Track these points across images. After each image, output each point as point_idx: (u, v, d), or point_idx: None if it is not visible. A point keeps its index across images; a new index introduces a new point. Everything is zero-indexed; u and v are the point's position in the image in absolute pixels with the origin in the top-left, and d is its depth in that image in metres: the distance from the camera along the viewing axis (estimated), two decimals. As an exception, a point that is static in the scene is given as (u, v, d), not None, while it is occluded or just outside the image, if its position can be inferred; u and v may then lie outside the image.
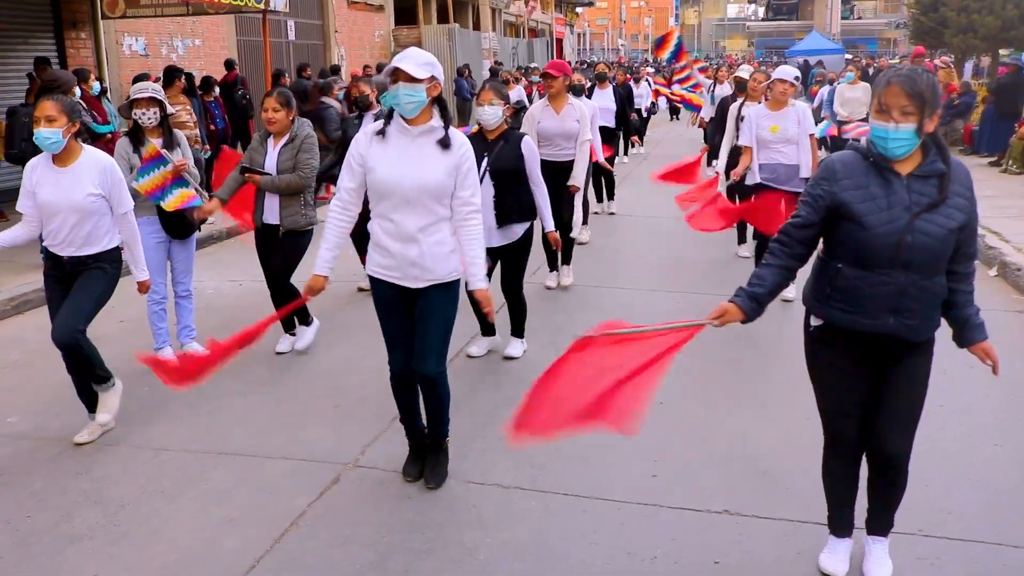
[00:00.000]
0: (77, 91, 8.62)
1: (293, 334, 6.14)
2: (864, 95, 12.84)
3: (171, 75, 10.67)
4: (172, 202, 5.41)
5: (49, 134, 4.30)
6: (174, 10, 12.45)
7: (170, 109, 5.68)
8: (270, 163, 5.69)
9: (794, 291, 7.09)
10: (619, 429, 3.10)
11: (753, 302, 3.09)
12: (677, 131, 22.56)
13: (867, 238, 2.91)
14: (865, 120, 11.49)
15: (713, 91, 14.29)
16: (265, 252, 5.93)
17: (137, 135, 5.50)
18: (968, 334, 3.06)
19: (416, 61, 3.69)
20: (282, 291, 5.84)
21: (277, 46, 17.51)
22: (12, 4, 11.26)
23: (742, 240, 8.78)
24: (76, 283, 4.51)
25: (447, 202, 3.81)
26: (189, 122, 10.52)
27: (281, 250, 5.80)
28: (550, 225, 5.70)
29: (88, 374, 4.61)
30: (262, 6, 11.47)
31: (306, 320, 6.15)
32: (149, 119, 5.49)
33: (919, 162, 2.92)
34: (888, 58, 41.64)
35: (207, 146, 11.07)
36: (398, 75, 3.66)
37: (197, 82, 11.87)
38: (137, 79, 10.51)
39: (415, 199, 3.74)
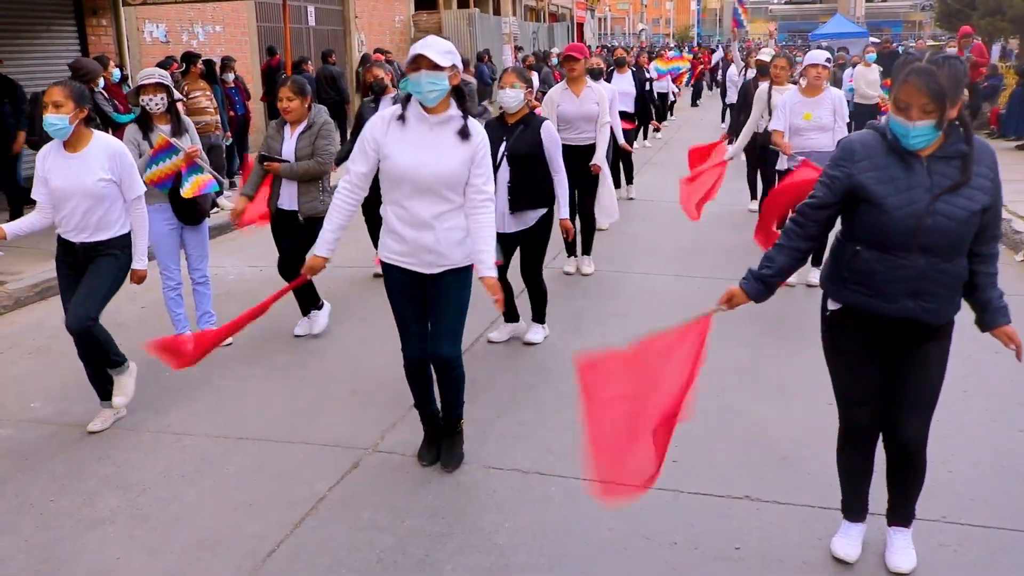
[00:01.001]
0: (100, 80, 8.67)
1: (309, 316, 6.16)
2: (879, 76, 12.87)
3: (188, 61, 10.72)
4: (189, 189, 5.42)
5: (55, 120, 4.31)
6: (194, -4, 12.52)
7: (177, 95, 5.69)
8: (288, 150, 5.70)
9: (794, 277, 7.03)
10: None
11: (760, 283, 3.09)
12: (698, 116, 22.40)
13: (886, 220, 2.86)
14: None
15: (722, 72, 14.44)
16: (280, 235, 5.95)
17: (145, 121, 5.51)
18: (990, 317, 3.00)
19: (438, 49, 3.67)
20: (295, 267, 5.86)
21: (297, 32, 17.51)
22: (34, -8, 11.33)
23: (755, 196, 8.74)
24: (88, 270, 4.53)
25: (461, 190, 3.80)
26: (210, 108, 10.56)
27: (301, 238, 5.82)
28: (565, 212, 5.65)
29: (103, 360, 4.63)
30: (282, -8, 11.48)
31: (317, 304, 6.18)
32: (157, 105, 5.49)
33: (941, 142, 2.87)
34: (912, 42, 41.10)
35: (228, 132, 11.10)
36: (420, 63, 3.64)
37: (217, 68, 11.87)
38: (160, 66, 10.59)
39: (430, 188, 3.73)
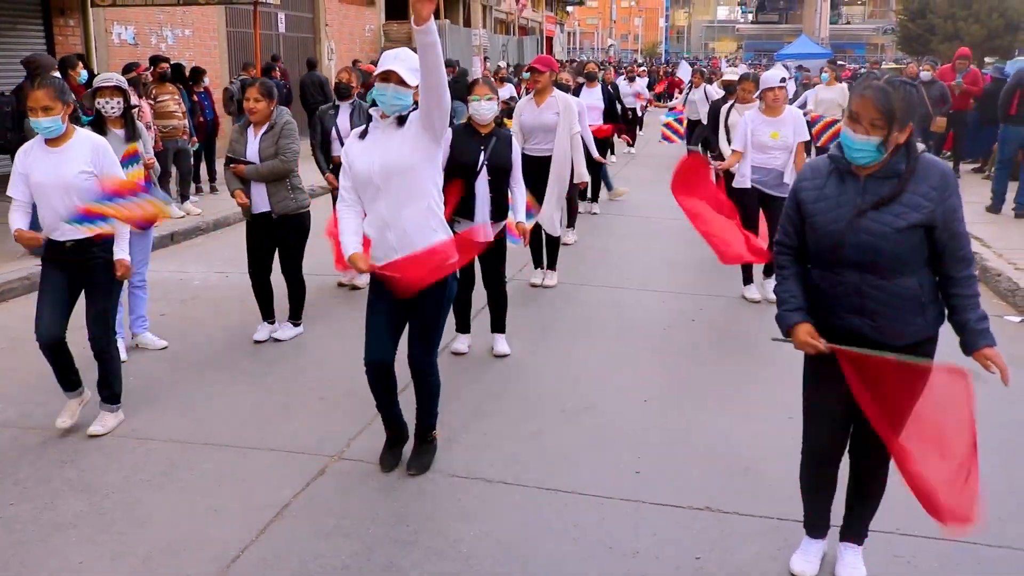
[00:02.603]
0: (84, 73, 8.56)
1: (272, 323, 6.18)
2: (840, 97, 12.93)
3: (154, 63, 10.71)
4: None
5: (48, 123, 4.31)
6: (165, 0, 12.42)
7: (133, 100, 5.68)
8: (252, 152, 5.75)
9: (758, 292, 7.15)
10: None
11: (799, 312, 3.10)
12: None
13: (817, 238, 2.98)
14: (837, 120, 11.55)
15: (688, 93, 14.40)
16: (255, 240, 5.96)
17: (99, 125, 5.49)
18: (968, 339, 2.93)
19: (409, 66, 3.76)
20: (293, 280, 6.06)
21: (267, 38, 17.46)
22: (0, -10, 11.20)
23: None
24: (86, 288, 4.56)
25: (416, 182, 3.81)
26: (178, 112, 10.50)
27: (282, 240, 5.87)
28: (521, 216, 5.68)
29: (105, 385, 4.67)
30: (253, -2, 11.46)
31: (297, 319, 6.22)
32: (112, 109, 5.48)
33: (881, 164, 2.92)
34: (881, 62, 41.76)
35: (195, 138, 11.03)
36: (391, 76, 3.73)
37: (186, 72, 11.81)
38: (127, 68, 10.51)
39: (385, 183, 3.79)
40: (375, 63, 12.42)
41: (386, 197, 3.81)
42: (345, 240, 3.94)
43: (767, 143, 6.80)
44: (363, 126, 3.97)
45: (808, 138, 7.03)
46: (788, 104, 7.14)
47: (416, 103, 3.82)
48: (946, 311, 3.04)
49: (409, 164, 3.79)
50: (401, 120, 3.83)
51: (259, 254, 6.00)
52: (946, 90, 12.46)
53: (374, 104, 3.91)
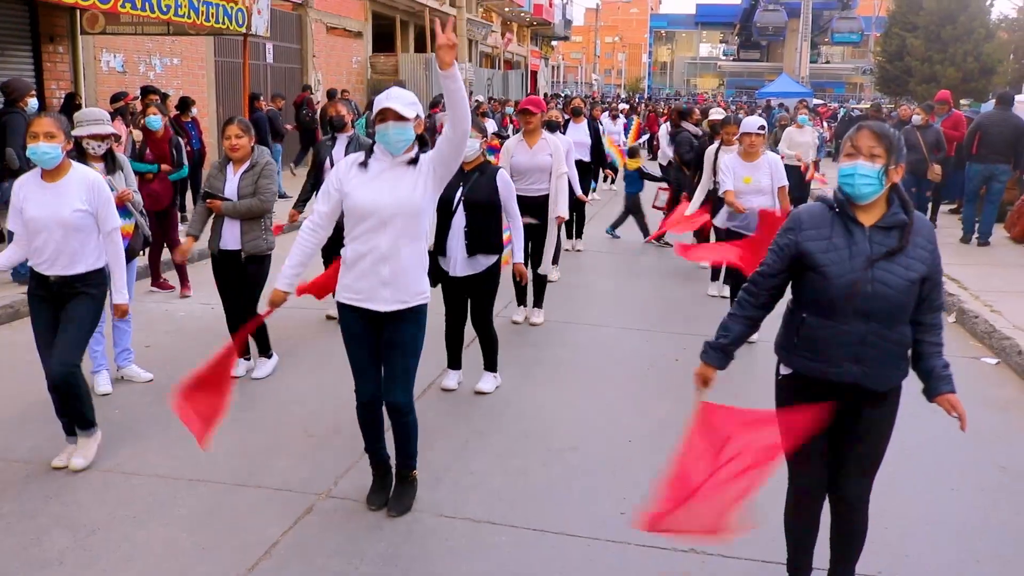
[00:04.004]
0: (32, 102, 8.42)
1: (247, 358, 6.18)
2: (812, 139, 13.06)
3: (145, 94, 10.73)
4: None
5: (48, 149, 4.34)
6: (154, 29, 12.48)
7: (120, 131, 5.70)
8: (230, 189, 5.78)
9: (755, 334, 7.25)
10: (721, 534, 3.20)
11: (719, 353, 3.26)
12: (648, 168, 22.79)
13: (828, 287, 3.02)
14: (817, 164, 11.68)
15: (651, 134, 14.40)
16: (223, 278, 5.99)
17: (82, 161, 5.50)
18: (934, 385, 3.12)
19: (403, 101, 3.83)
20: (245, 317, 5.88)
21: (255, 68, 17.55)
22: (-10, 17, 11.22)
23: (715, 278, 8.80)
24: (64, 313, 4.50)
25: (418, 220, 3.91)
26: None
27: (245, 277, 5.87)
28: (519, 257, 5.77)
29: (76, 416, 4.58)
30: (243, 30, 11.53)
31: (267, 352, 6.21)
32: (97, 148, 5.44)
33: (883, 213, 3.04)
34: (855, 102, 42.40)
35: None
36: (387, 115, 3.79)
37: (174, 102, 11.86)
38: (115, 97, 10.54)
39: (391, 219, 3.85)
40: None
41: (389, 233, 3.86)
42: (285, 270, 4.02)
43: (741, 188, 6.96)
44: (359, 153, 4.00)
45: (786, 183, 7.17)
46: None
47: (419, 136, 3.90)
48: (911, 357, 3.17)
49: (420, 207, 3.89)
50: (412, 161, 3.90)
51: (230, 292, 6.00)
52: (941, 135, 11.84)
53: (370, 134, 3.97)
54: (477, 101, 21.18)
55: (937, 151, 11.49)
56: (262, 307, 5.81)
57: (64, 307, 4.54)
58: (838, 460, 3.25)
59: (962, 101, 28.27)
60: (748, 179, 6.94)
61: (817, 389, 3.15)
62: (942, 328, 3.18)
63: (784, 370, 3.27)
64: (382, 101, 3.85)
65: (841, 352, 3.06)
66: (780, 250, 3.17)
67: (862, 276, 2.98)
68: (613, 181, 16.33)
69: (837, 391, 3.12)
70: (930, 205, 12.27)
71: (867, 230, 3.04)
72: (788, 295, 3.29)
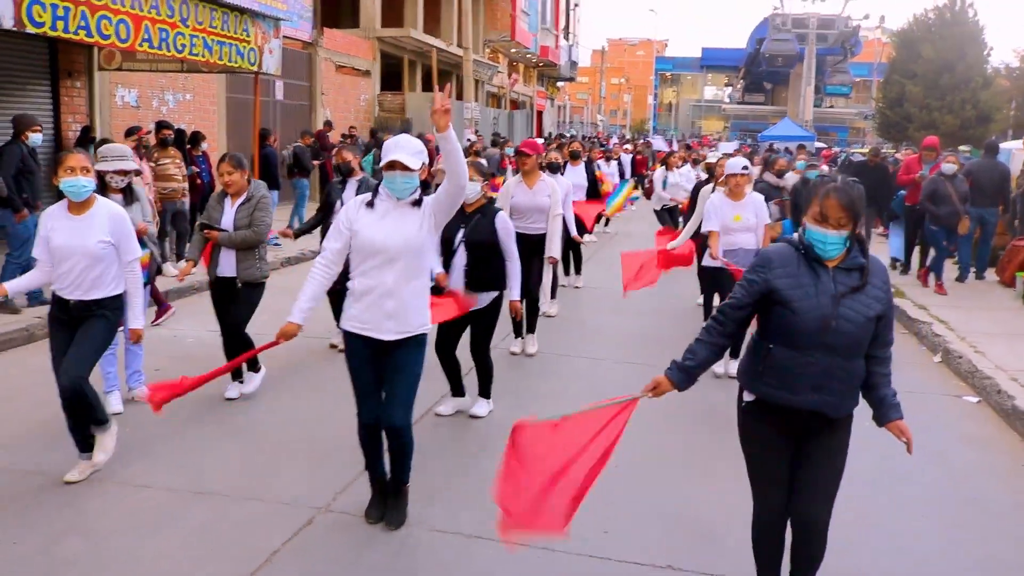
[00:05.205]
0: (34, 136, 8.50)
1: (241, 381, 6.49)
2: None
3: (159, 128, 11.10)
4: None
5: (86, 183, 4.72)
6: (169, 66, 12.89)
7: (135, 166, 6.08)
8: (227, 221, 6.14)
9: (723, 367, 7.46)
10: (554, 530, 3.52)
11: (684, 373, 3.49)
12: (643, 210, 23.11)
13: (797, 321, 3.29)
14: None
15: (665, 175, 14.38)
16: (220, 304, 6.33)
17: (101, 190, 5.84)
18: (884, 412, 3.41)
19: (410, 151, 4.17)
20: (237, 340, 6.23)
21: (265, 105, 17.98)
22: (11, 52, 11.63)
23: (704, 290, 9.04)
24: (79, 331, 4.80)
25: (422, 258, 4.27)
26: (178, 175, 10.88)
27: (238, 301, 6.20)
28: (516, 295, 6.06)
29: (88, 418, 4.85)
30: (255, 68, 11.92)
31: (255, 367, 6.53)
32: (118, 182, 5.86)
33: (844, 256, 3.34)
34: (856, 146, 42.69)
35: (188, 196, 11.34)
36: (395, 166, 4.13)
37: (186, 138, 12.22)
38: (129, 132, 10.91)
39: (397, 256, 4.17)
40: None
41: (395, 270, 4.18)
42: (298, 304, 4.31)
43: (731, 225, 7.24)
44: (367, 194, 4.32)
45: (769, 220, 7.48)
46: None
47: (423, 182, 4.21)
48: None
49: (424, 245, 4.24)
50: (416, 202, 4.23)
51: (227, 318, 6.30)
52: (966, 185, 11.26)
53: (376, 174, 4.31)
54: (469, 140, 21.58)
55: (964, 202, 11.15)
56: (250, 330, 6.16)
57: (80, 326, 4.83)
58: (797, 486, 3.49)
59: (961, 148, 28.66)
60: (739, 217, 7.24)
61: (779, 415, 3.41)
62: (891, 360, 3.45)
63: (748, 397, 3.53)
64: (391, 151, 4.17)
65: (804, 381, 3.32)
66: (750, 285, 3.42)
67: (831, 312, 3.26)
68: (608, 223, 16.62)
69: (797, 417, 3.38)
70: (924, 249, 12.29)
71: (831, 271, 3.32)
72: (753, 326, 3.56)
